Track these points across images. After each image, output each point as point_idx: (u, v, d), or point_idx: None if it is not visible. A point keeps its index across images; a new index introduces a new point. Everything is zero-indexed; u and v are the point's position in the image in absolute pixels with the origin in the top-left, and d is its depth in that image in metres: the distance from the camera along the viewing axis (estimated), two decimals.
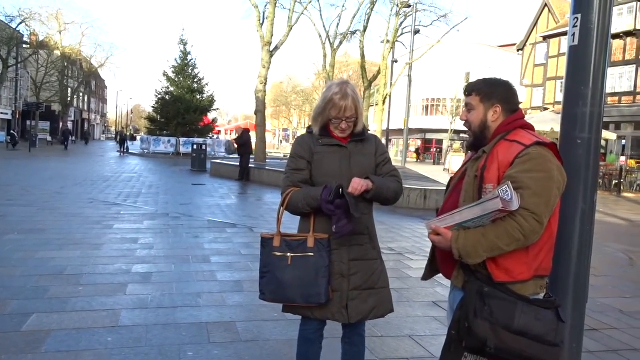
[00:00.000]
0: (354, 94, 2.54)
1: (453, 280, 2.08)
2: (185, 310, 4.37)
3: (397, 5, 29.79)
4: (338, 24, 31.93)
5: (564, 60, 27.54)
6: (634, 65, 25.60)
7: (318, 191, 2.49)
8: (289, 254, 2.55)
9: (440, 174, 24.74)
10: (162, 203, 11.19)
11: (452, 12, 42.43)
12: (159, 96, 35.49)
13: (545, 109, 31.11)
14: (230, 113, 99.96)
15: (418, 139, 52.98)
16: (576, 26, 2.67)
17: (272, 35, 21.79)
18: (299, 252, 2.54)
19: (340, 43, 30.86)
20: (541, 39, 34.10)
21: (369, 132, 2.75)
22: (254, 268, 5.78)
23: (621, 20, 26.57)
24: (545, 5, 34.97)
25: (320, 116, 2.59)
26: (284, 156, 36.03)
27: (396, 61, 33.48)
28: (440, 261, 2.21)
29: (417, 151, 50.46)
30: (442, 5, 68.94)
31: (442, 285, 5.62)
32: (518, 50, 37.95)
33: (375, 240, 2.71)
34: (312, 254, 2.53)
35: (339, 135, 2.62)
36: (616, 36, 27.04)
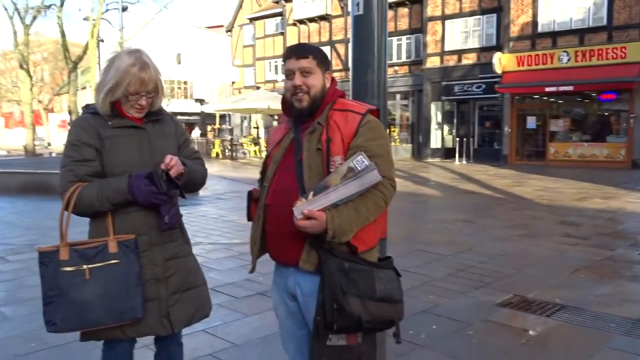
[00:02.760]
0: (153, 63, 2.11)
1: (302, 264, 1.90)
2: None
3: None
4: None
5: (269, 42, 29.40)
6: (328, 47, 29.01)
7: (120, 182, 2.02)
8: (84, 267, 2.02)
9: None
10: None
11: None
12: None
13: (258, 87, 32.98)
14: None
15: None
16: None
17: None
18: (99, 262, 2.04)
19: (34, 18, 27.00)
20: (247, 21, 35.81)
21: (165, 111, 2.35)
22: None
23: (315, 6, 29.77)
24: None
25: (111, 92, 2.08)
26: None
27: (102, 40, 30.94)
28: (277, 248, 2.00)
29: None
30: None
31: (213, 270, 5.43)
32: (227, 32, 39.13)
33: (186, 233, 2.36)
34: (116, 261, 2.05)
35: (133, 115, 2.16)
36: (312, 20, 30.20)
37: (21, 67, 27.88)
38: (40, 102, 45.89)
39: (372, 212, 1.86)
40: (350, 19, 2.78)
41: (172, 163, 2.04)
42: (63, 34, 27.57)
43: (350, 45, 2.82)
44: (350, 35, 2.79)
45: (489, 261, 5.78)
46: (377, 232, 2.00)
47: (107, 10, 29.01)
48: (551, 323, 3.93)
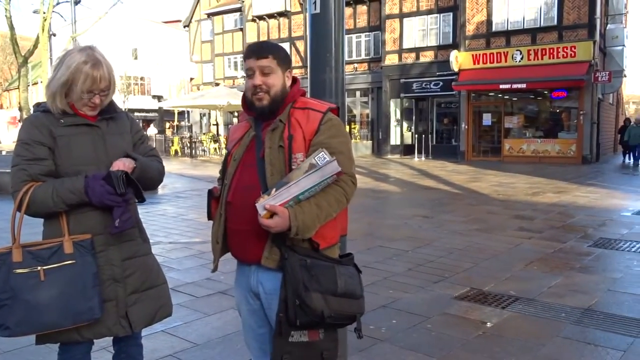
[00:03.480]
0: (105, 60, 2.07)
1: (264, 261, 1.91)
2: None
3: None
4: None
5: (228, 37, 29.06)
6: (288, 43, 28.93)
7: (76, 182, 1.98)
8: (39, 268, 1.98)
9: None
10: None
11: None
12: None
13: (217, 84, 32.60)
14: None
15: None
16: None
17: None
18: (54, 263, 2.00)
19: None
20: (205, 16, 35.33)
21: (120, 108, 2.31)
22: None
23: (274, 2, 29.64)
24: None
25: (62, 90, 2.03)
26: None
27: (54, 34, 29.94)
28: (239, 246, 2.00)
29: None
30: None
31: (173, 270, 5.36)
32: (184, 27, 38.53)
33: (144, 231, 2.33)
34: (72, 262, 2.01)
35: (86, 112, 2.11)
36: (271, 16, 30.05)
37: None
38: None
39: (334, 208, 1.89)
40: None
41: (120, 164, 2.03)
42: (12, 27, 26.54)
43: (308, 43, 2.83)
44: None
45: (447, 256, 5.91)
46: (338, 229, 2.03)
47: (58, 3, 28.08)
48: (506, 314, 4.06)
